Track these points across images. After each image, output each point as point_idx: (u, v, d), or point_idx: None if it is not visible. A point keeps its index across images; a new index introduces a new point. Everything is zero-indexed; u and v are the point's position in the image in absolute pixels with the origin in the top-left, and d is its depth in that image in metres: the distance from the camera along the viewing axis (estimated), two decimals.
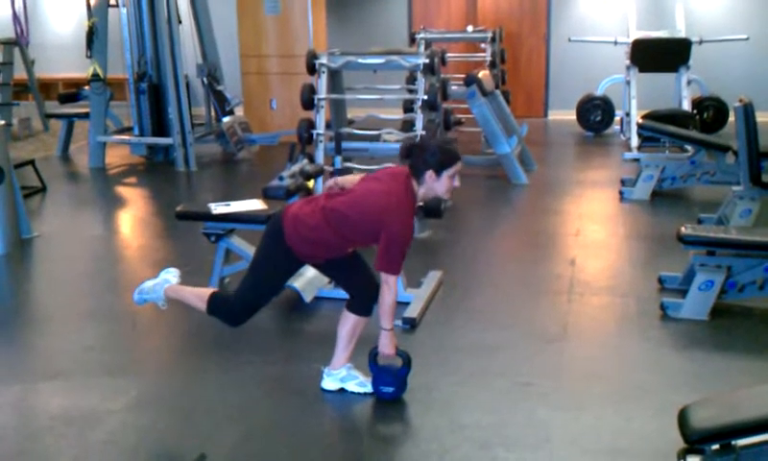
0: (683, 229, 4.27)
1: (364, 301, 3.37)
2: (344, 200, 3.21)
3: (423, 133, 5.76)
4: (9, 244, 5.60)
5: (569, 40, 10.26)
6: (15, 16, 9.92)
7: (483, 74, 7.60)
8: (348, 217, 3.16)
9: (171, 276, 3.54)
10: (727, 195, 5.67)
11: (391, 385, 3.36)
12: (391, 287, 3.13)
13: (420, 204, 5.54)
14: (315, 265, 3.46)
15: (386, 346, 3.27)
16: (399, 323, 4.14)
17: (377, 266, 3.13)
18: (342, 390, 3.45)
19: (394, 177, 3.23)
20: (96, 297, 4.82)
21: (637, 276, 4.91)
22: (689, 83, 8.93)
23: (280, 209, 3.36)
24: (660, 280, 4.67)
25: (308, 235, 3.18)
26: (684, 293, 4.30)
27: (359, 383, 3.44)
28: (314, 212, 3.20)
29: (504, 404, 3.36)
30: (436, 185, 3.17)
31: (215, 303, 3.35)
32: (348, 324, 3.40)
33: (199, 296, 3.40)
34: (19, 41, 10.44)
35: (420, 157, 3.15)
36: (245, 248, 4.71)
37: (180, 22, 8.66)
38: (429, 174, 3.14)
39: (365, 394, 3.42)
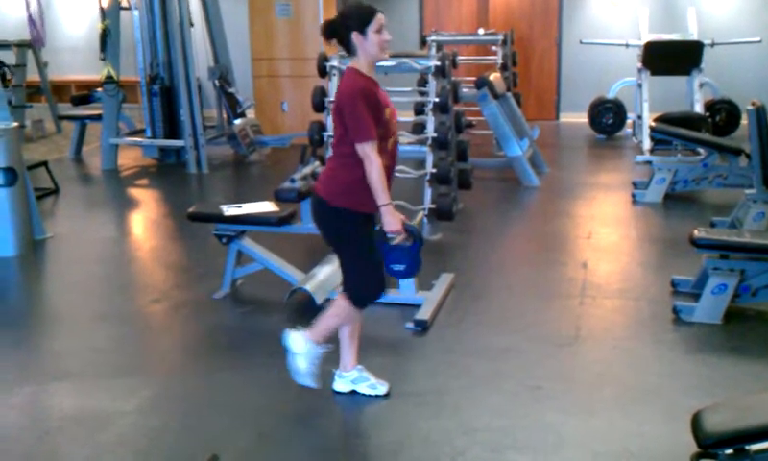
0: (695, 232, 4.25)
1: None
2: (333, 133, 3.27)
3: (435, 135, 5.76)
4: (22, 245, 5.63)
5: (581, 43, 10.24)
6: (31, 19, 9.98)
7: (494, 76, 7.59)
8: (336, 135, 3.19)
9: (298, 337, 3.33)
10: (740, 198, 5.64)
11: (401, 262, 3.23)
12: (372, 159, 3.06)
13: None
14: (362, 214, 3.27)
15: (390, 222, 3.14)
16: (411, 325, 4.15)
17: (352, 139, 3.08)
18: (353, 392, 3.45)
19: (342, 76, 3.25)
20: (108, 298, 4.84)
21: (650, 279, 4.89)
22: (702, 85, 8.89)
23: (314, 191, 3.31)
24: (673, 284, 4.65)
25: (338, 184, 3.16)
26: (696, 297, 4.28)
27: (370, 385, 3.43)
28: (328, 164, 3.29)
29: (515, 408, 3.35)
30: (367, 46, 3.12)
31: (356, 299, 3.25)
32: (340, 312, 3.36)
33: (338, 312, 3.30)
34: (34, 44, 10.50)
35: (339, 27, 3.15)
36: (256, 250, 4.72)
37: (191, 25, 8.69)
38: (356, 37, 3.11)
39: (376, 396, 3.42)
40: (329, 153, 3.29)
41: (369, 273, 3.26)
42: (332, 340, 3.42)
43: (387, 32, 3.17)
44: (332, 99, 6.01)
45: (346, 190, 3.16)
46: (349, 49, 3.16)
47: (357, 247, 3.23)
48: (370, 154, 3.06)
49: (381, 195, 3.09)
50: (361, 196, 3.15)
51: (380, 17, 3.14)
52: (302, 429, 3.25)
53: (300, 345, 3.33)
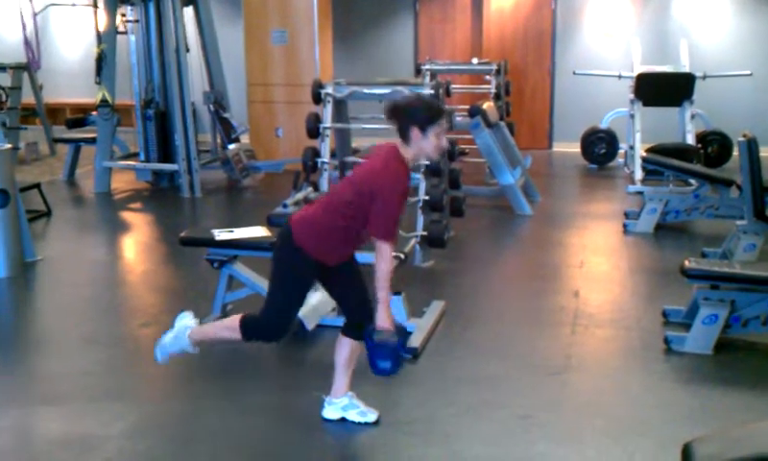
0: (686, 262, 4.26)
1: (356, 320, 3.34)
2: (340, 185, 3.29)
3: (428, 163, 5.78)
4: (12, 267, 5.61)
5: (574, 73, 10.31)
6: (27, 42, 10.01)
7: (487, 105, 7.64)
8: (347, 196, 3.17)
9: (188, 320, 3.47)
10: (731, 229, 5.67)
11: (387, 359, 3.22)
12: (384, 256, 3.09)
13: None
14: (320, 277, 3.40)
15: (383, 319, 3.15)
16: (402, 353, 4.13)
17: (371, 231, 3.10)
18: (343, 419, 3.43)
19: (382, 150, 3.24)
20: (97, 321, 4.82)
21: (641, 309, 4.89)
22: (693, 117, 8.95)
23: (287, 220, 3.34)
24: (664, 314, 4.65)
25: (314, 227, 3.18)
26: (687, 327, 4.28)
27: (360, 412, 3.41)
28: (316, 208, 3.26)
29: (505, 437, 3.33)
30: (423, 144, 3.14)
31: (248, 328, 3.29)
32: (344, 350, 3.38)
33: (228, 327, 3.34)
34: (30, 66, 10.53)
35: (404, 115, 3.14)
36: (248, 275, 4.71)
37: (187, 50, 8.73)
38: (415, 132, 3.12)
39: (366, 423, 3.40)
40: (325, 194, 3.31)
41: (282, 315, 3.27)
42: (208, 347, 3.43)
43: (444, 137, 3.19)
44: (327, 126, 6.04)
45: (315, 236, 3.18)
46: (404, 138, 3.16)
47: (293, 290, 3.26)
48: (386, 251, 3.09)
49: (383, 290, 3.13)
50: (325, 247, 3.20)
51: (445, 122, 3.17)
52: (291, 456, 3.22)
53: (184, 326, 3.42)
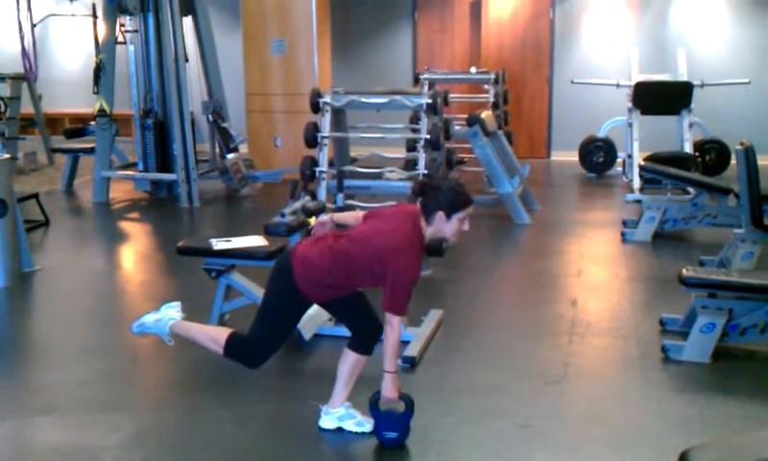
0: (684, 271, 4.26)
1: (365, 339, 3.35)
2: (351, 241, 3.19)
3: (426, 172, 5.78)
4: (9, 277, 5.61)
5: (572, 82, 10.33)
6: (25, 52, 10.04)
7: (486, 114, 7.65)
8: (355, 258, 3.15)
9: (174, 311, 3.50)
10: (728, 238, 5.67)
11: (394, 430, 3.28)
12: (394, 328, 3.10)
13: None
14: (320, 303, 3.44)
15: (389, 389, 3.19)
16: (399, 362, 4.12)
17: (383, 305, 3.11)
18: (339, 429, 3.42)
19: (401, 215, 3.22)
20: (95, 332, 4.81)
21: (639, 317, 4.89)
22: (691, 125, 8.97)
23: (287, 250, 3.35)
24: (662, 322, 4.65)
25: (318, 278, 3.18)
26: (685, 335, 4.28)
27: (357, 422, 3.41)
28: (322, 254, 3.19)
29: (503, 446, 3.32)
30: (445, 227, 3.15)
31: (232, 347, 3.31)
32: (349, 362, 3.38)
33: (213, 338, 3.36)
34: (28, 76, 10.55)
35: (432, 196, 3.13)
36: (245, 284, 4.71)
37: (186, 60, 8.75)
38: (440, 215, 3.12)
39: (362, 433, 3.39)
40: (337, 234, 3.30)
41: (267, 345, 3.30)
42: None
43: (467, 222, 3.21)
44: (325, 135, 6.05)
45: (314, 282, 3.19)
46: (427, 216, 3.16)
47: (282, 325, 3.31)
48: (395, 324, 3.10)
49: (391, 363, 3.15)
50: (323, 293, 3.24)
51: (470, 209, 3.19)
52: None
53: (168, 315, 3.45)
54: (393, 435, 3.28)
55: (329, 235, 3.29)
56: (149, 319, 3.51)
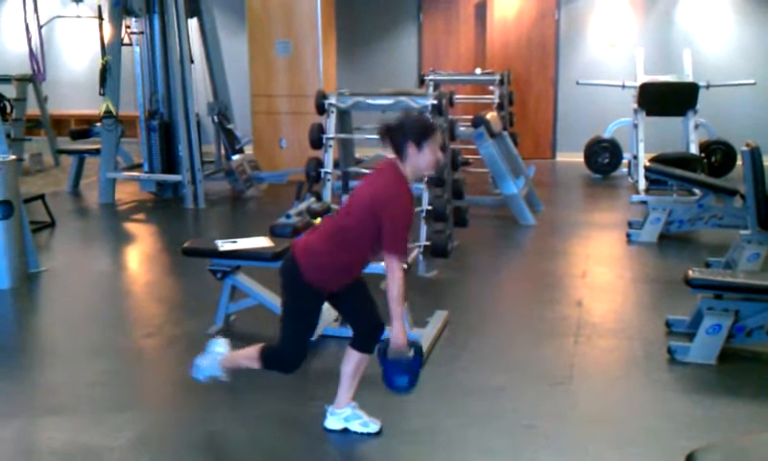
0: (690, 272, 4.26)
1: (367, 338, 3.36)
2: (340, 215, 3.29)
3: (431, 172, 5.78)
4: (16, 278, 5.62)
5: (577, 83, 10.33)
6: (32, 53, 10.06)
7: (491, 116, 7.65)
8: (348, 227, 3.20)
9: (220, 347, 3.52)
10: (735, 239, 5.66)
11: (405, 374, 3.22)
12: (395, 273, 3.11)
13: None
14: (330, 294, 3.42)
15: (398, 335, 3.16)
16: None
17: (384, 248, 3.12)
18: (345, 430, 3.42)
19: (378, 171, 3.27)
20: (101, 332, 4.82)
21: (645, 319, 4.88)
22: (697, 126, 8.95)
23: (289, 248, 3.36)
24: (668, 324, 4.65)
25: (321, 261, 3.21)
26: (691, 337, 4.27)
27: (363, 423, 3.41)
28: (321, 237, 3.25)
29: (509, 447, 3.32)
30: (419, 159, 3.17)
31: (266, 358, 3.33)
32: (352, 362, 3.38)
33: (248, 357, 3.39)
34: (34, 78, 10.58)
35: (399, 132, 3.17)
36: (251, 285, 4.72)
37: (192, 61, 8.77)
38: (411, 148, 3.15)
39: (369, 434, 3.39)
40: (327, 219, 3.31)
41: (296, 344, 3.30)
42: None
43: (440, 152, 3.23)
44: (330, 136, 6.05)
45: (319, 268, 3.21)
46: (401, 155, 3.19)
47: (304, 324, 3.31)
48: (396, 267, 3.11)
49: (397, 307, 3.14)
50: (330, 277, 3.24)
51: (438, 137, 3.21)
52: None
53: (217, 352, 3.48)
54: (403, 380, 3.23)
55: (324, 220, 3.36)
56: (203, 362, 3.53)
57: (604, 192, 9.22)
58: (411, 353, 3.22)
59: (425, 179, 5.78)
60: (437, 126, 3.22)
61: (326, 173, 6.03)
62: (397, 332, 3.16)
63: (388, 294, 3.14)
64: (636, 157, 8.99)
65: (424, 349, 4.22)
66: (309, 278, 3.20)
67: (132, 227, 8.07)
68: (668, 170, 7.20)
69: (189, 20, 8.91)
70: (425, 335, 4.41)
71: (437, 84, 8.81)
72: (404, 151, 3.16)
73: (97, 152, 9.04)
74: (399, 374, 3.24)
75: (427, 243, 5.70)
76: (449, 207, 5.89)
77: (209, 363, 3.50)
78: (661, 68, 9.93)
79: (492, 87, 9.01)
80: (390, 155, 3.23)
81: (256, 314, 4.77)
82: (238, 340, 4.54)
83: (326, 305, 3.82)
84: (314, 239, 3.27)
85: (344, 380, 3.43)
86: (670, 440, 3.34)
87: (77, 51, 13.25)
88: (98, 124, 9.16)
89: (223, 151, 9.44)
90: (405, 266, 4.47)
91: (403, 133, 3.16)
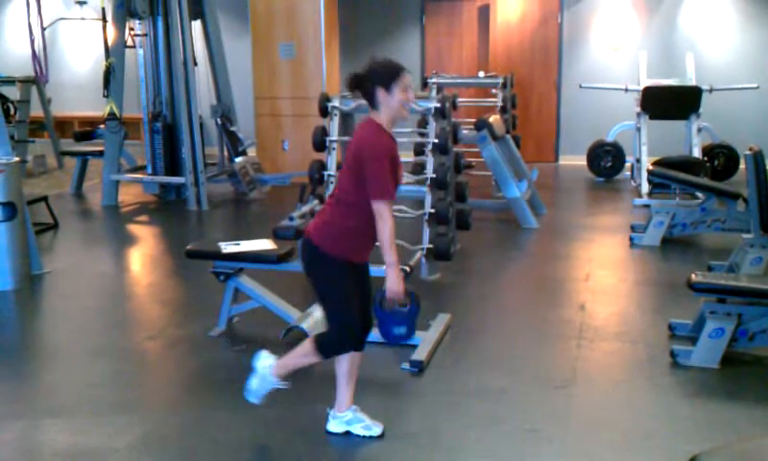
0: (693, 276, 4.25)
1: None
2: (336, 189, 3.30)
3: (434, 175, 5.79)
4: (19, 279, 5.63)
5: (580, 86, 10.34)
6: (35, 55, 10.09)
7: (494, 119, 7.65)
8: (345, 187, 3.21)
9: (266, 359, 3.46)
10: (737, 243, 5.65)
11: (402, 324, 3.17)
12: (385, 217, 3.10)
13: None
14: (347, 262, 3.34)
15: (393, 281, 3.13)
16: (407, 366, 4.13)
17: (370, 196, 3.11)
18: (347, 433, 3.42)
19: (357, 129, 3.29)
20: (104, 334, 4.83)
21: (647, 322, 4.88)
22: (700, 130, 8.95)
23: (302, 239, 3.34)
24: (671, 327, 4.64)
25: (332, 232, 3.21)
26: (694, 340, 4.27)
27: (365, 426, 3.41)
28: (326, 211, 3.28)
29: (511, 450, 3.32)
30: (391, 102, 3.17)
31: (322, 346, 3.31)
32: (344, 362, 3.38)
33: (304, 353, 3.35)
34: (38, 80, 10.62)
35: (366, 80, 3.19)
36: (254, 287, 4.72)
37: (195, 64, 8.79)
38: (381, 93, 3.16)
39: (371, 437, 3.39)
40: (330, 194, 3.31)
41: (346, 321, 3.26)
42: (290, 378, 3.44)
43: (412, 92, 3.23)
44: (334, 139, 6.06)
45: (339, 238, 3.20)
46: (373, 103, 3.21)
47: (342, 294, 3.25)
48: (384, 212, 3.10)
49: (390, 253, 3.12)
50: (353, 245, 3.23)
51: (407, 77, 3.21)
52: None
53: (265, 366, 3.42)
54: (401, 330, 3.20)
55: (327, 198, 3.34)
56: (254, 384, 3.47)
57: (607, 195, 9.22)
58: (407, 303, 3.15)
59: (428, 182, 5.79)
60: (402, 66, 3.22)
61: (329, 175, 6.03)
62: (393, 279, 3.14)
63: (380, 240, 3.12)
64: (638, 161, 8.99)
65: (426, 353, 4.22)
66: (328, 250, 3.19)
67: (134, 229, 8.08)
68: (671, 174, 7.20)
69: (193, 23, 8.94)
70: (428, 338, 4.41)
71: (440, 87, 8.82)
72: (375, 97, 3.18)
73: (100, 154, 9.06)
74: (397, 324, 3.19)
75: (430, 246, 5.70)
76: (452, 210, 5.90)
77: (260, 380, 3.43)
78: (665, 72, 9.94)
79: (494, 90, 9.02)
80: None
81: (259, 317, 4.77)
82: (244, 341, 4.57)
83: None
84: (321, 216, 3.29)
85: (340, 382, 3.42)
86: (672, 444, 3.34)
87: (80, 53, 13.28)
88: (101, 126, 9.19)
89: (226, 153, 9.46)
90: (408, 269, 4.49)
91: (370, 79, 3.18)
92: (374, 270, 3.48)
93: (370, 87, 3.19)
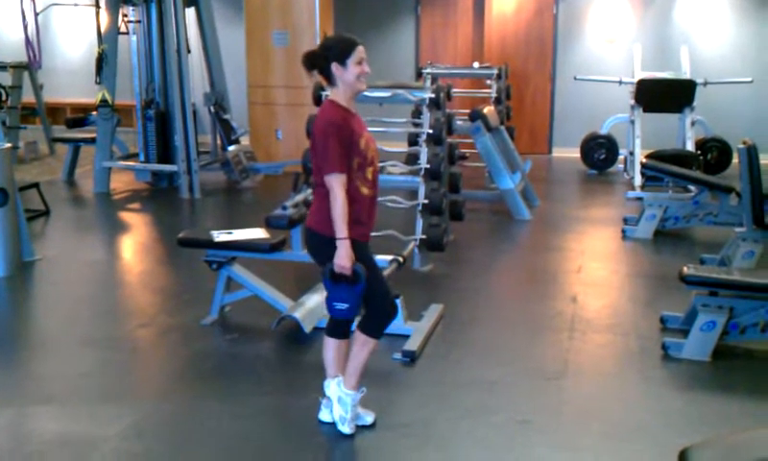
0: (685, 268, 4.26)
1: (378, 320, 3.32)
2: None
3: (428, 166, 5.78)
4: (10, 267, 5.60)
5: (575, 79, 10.33)
6: (28, 41, 10.02)
7: (488, 110, 7.64)
8: (315, 170, 3.20)
9: (332, 383, 3.40)
10: (730, 236, 5.67)
11: (345, 301, 3.16)
12: (335, 192, 3.08)
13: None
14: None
15: (342, 256, 3.09)
16: (399, 356, 4.13)
17: (322, 171, 3.11)
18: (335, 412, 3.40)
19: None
20: (95, 322, 4.81)
21: (639, 315, 4.89)
22: (693, 123, 8.97)
23: (308, 229, 3.32)
24: (662, 320, 4.65)
25: (323, 215, 3.16)
26: (685, 333, 4.28)
27: (341, 417, 3.35)
28: (316, 198, 3.25)
29: (502, 441, 3.33)
30: (347, 77, 3.15)
31: (371, 326, 3.30)
32: (330, 351, 3.39)
33: (360, 348, 3.32)
34: (30, 65, 10.55)
35: (321, 57, 3.19)
36: (246, 276, 4.71)
37: (189, 51, 8.74)
38: (336, 69, 3.15)
39: (362, 426, 3.39)
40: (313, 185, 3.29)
41: (381, 291, 3.26)
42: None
43: (367, 64, 3.21)
44: None
45: (330, 219, 3.16)
46: (330, 80, 3.20)
47: (364, 270, 3.20)
48: (334, 186, 3.09)
49: (340, 228, 3.10)
50: (349, 222, 3.17)
51: (361, 50, 3.18)
52: (286, 459, 3.22)
53: (336, 392, 3.36)
54: (343, 306, 3.17)
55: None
56: (336, 411, 3.38)
57: (600, 188, 9.22)
58: (355, 280, 3.13)
59: (422, 172, 5.78)
60: (357, 40, 3.20)
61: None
62: (342, 253, 3.11)
63: (332, 215, 3.10)
64: (632, 154, 9.01)
65: (418, 343, 4.22)
66: (327, 232, 3.16)
67: (126, 216, 8.04)
68: (664, 167, 7.21)
69: (186, 10, 8.89)
70: (420, 329, 4.41)
71: (434, 78, 8.80)
72: (331, 74, 3.17)
73: (92, 141, 9.00)
74: (340, 300, 3.17)
75: (423, 237, 5.69)
76: (445, 201, 5.89)
77: (340, 405, 3.36)
78: (659, 65, 9.94)
79: (489, 82, 9.00)
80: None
81: (252, 305, 4.76)
82: (236, 330, 4.56)
83: (321, 299, 3.81)
84: (314, 204, 3.28)
85: (330, 367, 3.42)
86: (663, 436, 3.35)
87: (73, 39, 13.20)
88: (94, 113, 9.13)
89: (219, 141, 9.43)
90: (401, 260, 4.47)
91: (324, 56, 3.17)
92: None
93: (324, 64, 3.18)
